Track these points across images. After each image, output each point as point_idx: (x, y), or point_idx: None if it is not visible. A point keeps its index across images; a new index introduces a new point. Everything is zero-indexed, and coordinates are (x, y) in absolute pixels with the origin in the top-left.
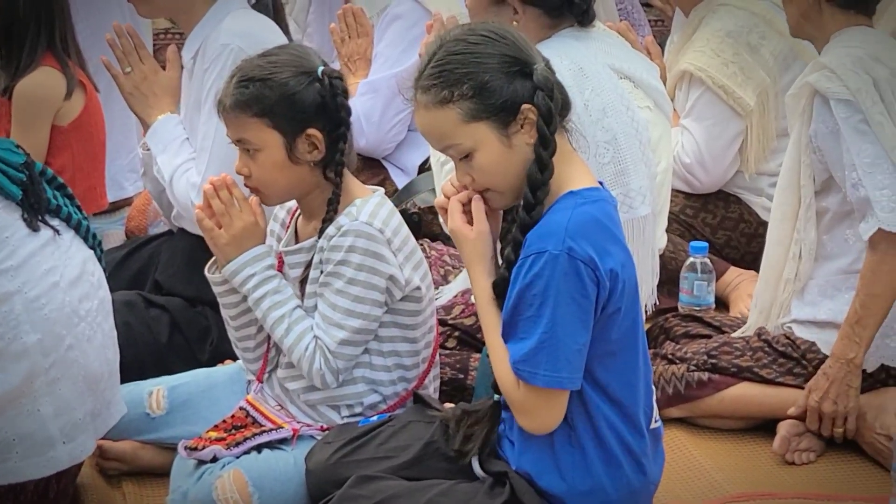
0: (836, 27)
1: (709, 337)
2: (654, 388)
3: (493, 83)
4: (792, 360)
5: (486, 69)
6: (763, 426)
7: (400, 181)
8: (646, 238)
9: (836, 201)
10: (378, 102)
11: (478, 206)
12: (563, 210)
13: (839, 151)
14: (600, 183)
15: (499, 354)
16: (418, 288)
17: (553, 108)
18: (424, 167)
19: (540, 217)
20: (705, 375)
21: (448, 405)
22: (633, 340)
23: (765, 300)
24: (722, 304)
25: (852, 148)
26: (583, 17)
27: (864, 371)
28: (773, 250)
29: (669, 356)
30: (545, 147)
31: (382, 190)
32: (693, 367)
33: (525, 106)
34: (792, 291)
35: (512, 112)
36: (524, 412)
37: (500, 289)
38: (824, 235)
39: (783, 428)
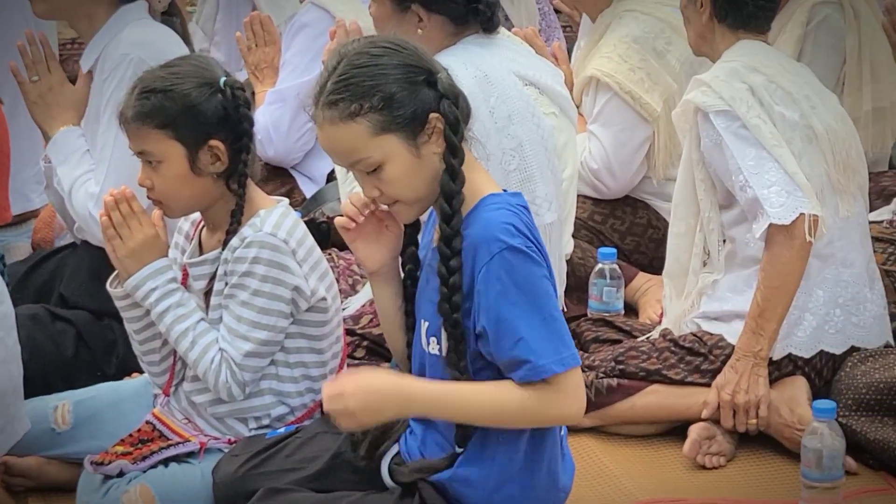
0: (727, 45)
1: (619, 342)
2: None
3: (401, 94)
4: (699, 356)
5: (392, 80)
6: (673, 431)
7: (308, 190)
8: (552, 244)
9: (738, 210)
10: (286, 112)
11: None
12: (494, 209)
13: (725, 161)
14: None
15: (484, 395)
16: (324, 299)
17: (459, 116)
18: (333, 176)
19: (459, 226)
20: (614, 381)
21: None
22: None
23: (672, 311)
24: (631, 309)
25: (736, 153)
26: (487, 24)
27: (771, 360)
28: (673, 266)
29: None
30: (454, 155)
31: (287, 200)
32: (602, 374)
33: (433, 115)
34: (693, 302)
35: (420, 122)
36: (557, 406)
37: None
38: (734, 241)
39: (693, 432)
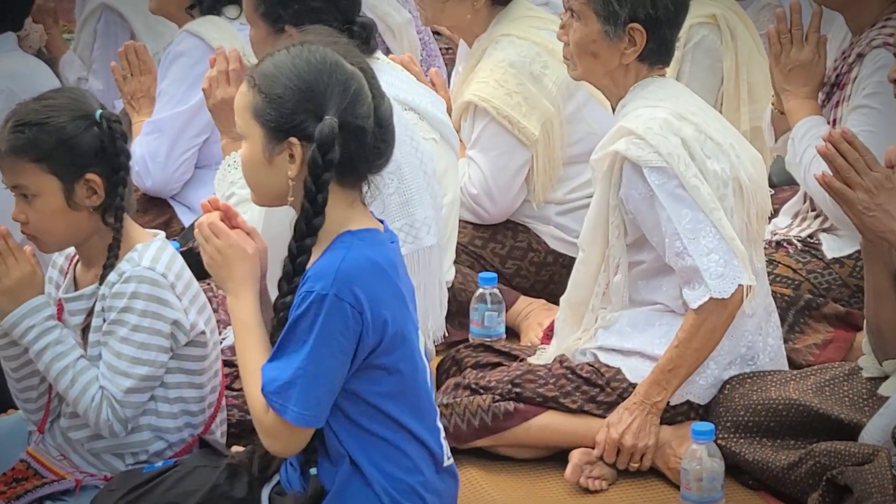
0: (635, 81)
1: (499, 364)
2: (439, 426)
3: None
4: (596, 387)
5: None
6: (555, 455)
7: (187, 219)
8: (432, 268)
9: (651, 257)
10: (163, 142)
11: (223, 230)
12: (338, 250)
13: (655, 217)
14: (381, 222)
15: (254, 377)
16: (203, 332)
17: (323, 165)
18: None
19: (304, 266)
20: (511, 405)
21: (236, 448)
22: (417, 383)
23: (565, 337)
24: (513, 333)
25: (672, 215)
26: (364, 46)
27: (668, 403)
28: (573, 294)
29: (473, 385)
30: (310, 202)
31: (163, 234)
32: (498, 397)
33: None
34: (592, 336)
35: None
36: (270, 436)
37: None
38: (639, 282)
39: (575, 456)
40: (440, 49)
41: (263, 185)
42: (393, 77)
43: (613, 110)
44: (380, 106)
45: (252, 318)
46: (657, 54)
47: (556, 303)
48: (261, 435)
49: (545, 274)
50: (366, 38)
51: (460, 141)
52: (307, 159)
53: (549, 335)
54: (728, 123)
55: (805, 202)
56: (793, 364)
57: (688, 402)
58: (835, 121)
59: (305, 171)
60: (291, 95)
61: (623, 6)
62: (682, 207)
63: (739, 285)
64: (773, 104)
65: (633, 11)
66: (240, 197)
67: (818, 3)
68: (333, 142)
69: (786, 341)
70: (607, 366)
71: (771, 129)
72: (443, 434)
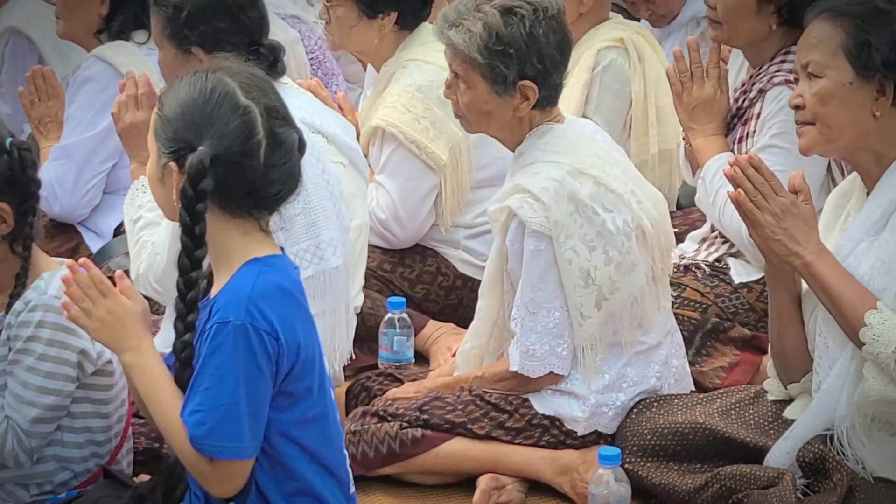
0: (532, 128)
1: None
2: (345, 452)
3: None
4: (505, 413)
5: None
6: (464, 481)
7: (94, 245)
8: (338, 290)
9: None
10: (71, 168)
11: (109, 288)
12: (246, 277)
13: (518, 274)
14: (281, 249)
15: (177, 428)
16: (110, 361)
17: (194, 196)
18: (120, 230)
19: (195, 302)
20: (418, 432)
21: (143, 476)
22: (325, 409)
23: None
24: (423, 357)
25: (528, 283)
26: (271, 69)
27: (575, 434)
28: (473, 337)
29: (380, 413)
30: (187, 234)
31: (71, 262)
32: (406, 424)
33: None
34: None
35: None
36: (211, 481)
37: (185, 355)
38: None
39: (483, 482)
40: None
41: (161, 202)
42: (300, 100)
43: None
44: (282, 140)
45: (162, 369)
46: (549, 98)
47: (466, 326)
48: (203, 482)
49: (454, 298)
50: (273, 60)
51: (369, 166)
52: (179, 187)
53: None
54: (629, 166)
55: (713, 230)
56: (699, 387)
57: (596, 431)
58: None
59: None
60: (176, 121)
61: (510, 67)
62: (540, 281)
63: (551, 372)
64: (683, 139)
65: (521, 69)
66: (147, 220)
67: (718, 42)
68: (204, 174)
69: (693, 364)
70: (514, 394)
71: (687, 165)
72: (348, 461)
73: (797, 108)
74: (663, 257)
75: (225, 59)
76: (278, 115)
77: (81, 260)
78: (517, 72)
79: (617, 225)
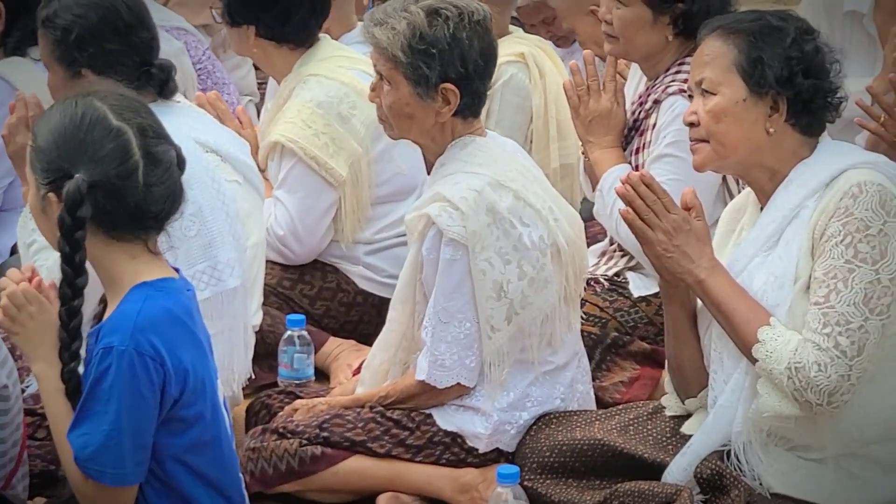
0: (452, 137)
1: None
2: (241, 476)
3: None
4: (406, 430)
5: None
6: (363, 500)
7: None
8: (236, 311)
9: None
10: None
11: (36, 295)
12: (134, 301)
13: (432, 282)
14: (177, 270)
15: (66, 446)
16: (5, 386)
17: (73, 224)
18: (16, 249)
19: (78, 330)
20: (318, 450)
21: (39, 500)
22: (218, 433)
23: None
24: (323, 374)
25: (441, 292)
26: (163, 89)
27: (476, 451)
28: (381, 349)
29: (280, 430)
30: (67, 263)
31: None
32: (305, 441)
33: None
34: None
35: None
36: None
37: (72, 383)
38: None
39: (382, 500)
40: (258, 82)
41: (45, 233)
42: (192, 119)
43: (431, 165)
44: (160, 159)
45: (53, 387)
46: (471, 107)
47: (367, 343)
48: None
49: (355, 314)
50: (165, 79)
51: (267, 181)
52: (57, 218)
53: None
54: (548, 184)
55: (612, 244)
56: (600, 402)
57: (497, 449)
58: (637, 167)
59: None
60: (49, 151)
61: (433, 68)
62: (454, 291)
63: (458, 384)
64: (582, 153)
65: (444, 72)
66: (40, 244)
67: (615, 56)
68: (81, 201)
69: (593, 379)
70: (418, 410)
71: (587, 179)
72: (244, 483)
73: (691, 125)
74: (576, 277)
75: (95, 84)
76: (153, 134)
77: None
78: (439, 73)
79: (533, 240)
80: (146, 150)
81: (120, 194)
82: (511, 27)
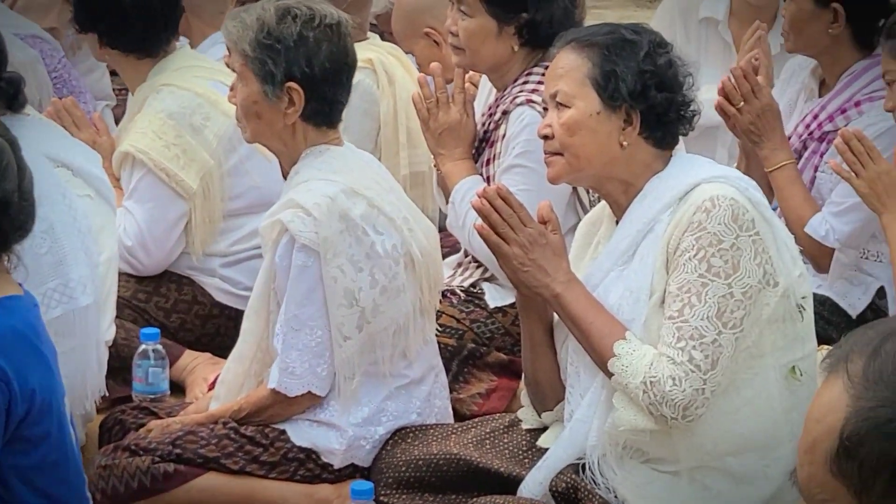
0: (307, 145)
1: None
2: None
3: None
4: (260, 446)
5: None
6: None
7: None
8: (88, 328)
9: None
10: None
11: None
12: None
13: (284, 289)
14: (20, 286)
15: None
16: None
17: None
18: None
19: None
20: (171, 467)
21: None
22: (65, 453)
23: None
24: (178, 388)
25: (293, 299)
26: (12, 102)
27: (330, 467)
28: (235, 363)
29: (132, 447)
30: None
31: None
32: (158, 459)
33: None
34: None
35: None
36: None
37: None
38: None
39: None
40: (115, 90)
41: None
42: (43, 133)
43: (287, 174)
44: (24, 177)
45: None
46: (322, 114)
47: (223, 356)
48: None
49: (211, 327)
50: (14, 93)
51: (121, 190)
52: None
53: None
54: (404, 195)
55: (467, 255)
56: (457, 414)
57: (352, 464)
58: (489, 178)
59: None
60: None
61: (278, 66)
62: (305, 298)
63: (309, 392)
64: (434, 166)
65: (289, 70)
66: None
67: (464, 67)
68: None
69: (450, 391)
70: (272, 426)
71: (440, 191)
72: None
73: (545, 137)
74: (431, 289)
75: None
76: (19, 147)
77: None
78: (284, 71)
79: (386, 248)
80: (19, 164)
81: (6, 209)
82: (370, 34)
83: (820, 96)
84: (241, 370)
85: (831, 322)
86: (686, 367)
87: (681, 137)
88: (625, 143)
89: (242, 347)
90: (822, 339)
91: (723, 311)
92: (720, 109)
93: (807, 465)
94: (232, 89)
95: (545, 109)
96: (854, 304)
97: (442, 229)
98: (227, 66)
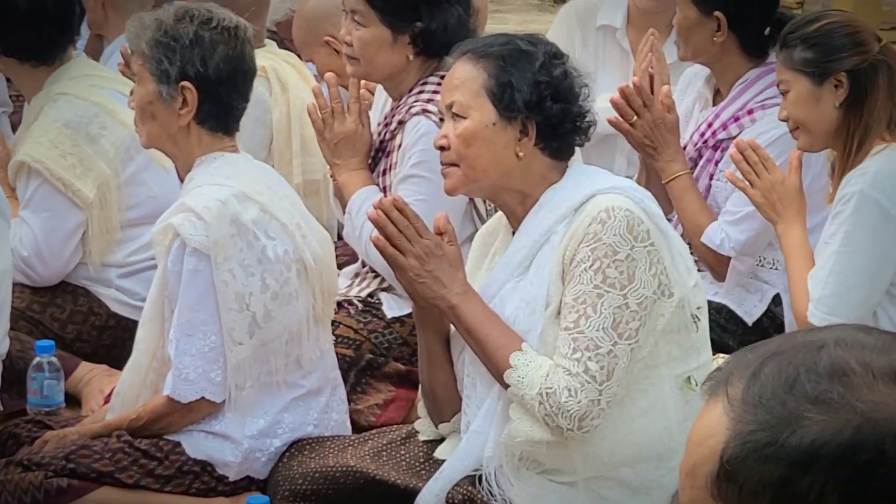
0: (203, 152)
1: None
2: None
3: None
4: (154, 459)
5: None
6: None
7: None
8: None
9: None
10: None
11: None
12: None
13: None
14: None
15: None
16: None
17: None
18: None
19: None
20: (64, 482)
21: None
22: None
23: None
24: (74, 401)
25: (186, 305)
26: None
27: (226, 480)
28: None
29: (25, 462)
30: None
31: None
32: (51, 473)
33: None
34: None
35: None
36: None
37: None
38: None
39: None
40: (12, 96)
41: None
42: None
43: (182, 180)
44: None
45: None
46: (217, 118)
47: (120, 367)
48: None
49: (108, 338)
50: None
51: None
52: None
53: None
54: (300, 203)
55: (365, 266)
56: (355, 425)
57: (248, 477)
58: (385, 189)
59: None
60: None
61: (173, 64)
62: (198, 302)
63: (204, 398)
64: (330, 176)
65: (183, 69)
66: None
67: (357, 77)
68: None
69: (348, 402)
70: (167, 439)
71: (337, 202)
72: None
73: (442, 148)
74: (325, 296)
75: None
76: None
77: None
78: (179, 69)
79: (277, 254)
80: None
81: None
82: (267, 41)
83: (714, 105)
84: (137, 380)
85: (727, 330)
86: (582, 378)
87: (577, 148)
88: (521, 154)
89: (137, 357)
90: (719, 347)
91: (618, 322)
92: (614, 125)
93: (688, 488)
94: (131, 93)
95: (441, 119)
96: (750, 311)
97: (339, 239)
98: (123, 74)
